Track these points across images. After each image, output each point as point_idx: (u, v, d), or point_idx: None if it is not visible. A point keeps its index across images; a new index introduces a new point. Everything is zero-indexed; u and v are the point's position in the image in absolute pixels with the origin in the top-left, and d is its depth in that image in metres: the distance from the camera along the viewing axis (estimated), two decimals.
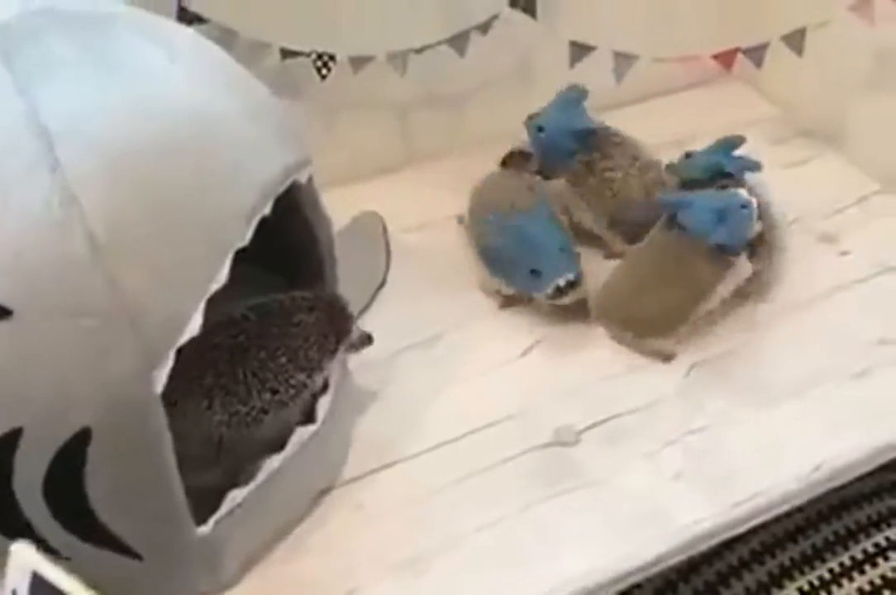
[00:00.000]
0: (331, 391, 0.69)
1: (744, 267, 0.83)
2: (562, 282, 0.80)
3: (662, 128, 1.07)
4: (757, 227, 0.83)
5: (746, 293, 0.86)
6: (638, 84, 0.99)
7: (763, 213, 0.84)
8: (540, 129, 0.90)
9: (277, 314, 0.66)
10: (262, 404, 0.65)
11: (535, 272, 0.81)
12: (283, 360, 0.65)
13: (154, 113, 0.53)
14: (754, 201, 0.82)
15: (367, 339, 0.72)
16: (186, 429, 0.59)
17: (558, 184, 0.91)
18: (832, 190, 1.01)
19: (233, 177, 0.56)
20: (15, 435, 0.53)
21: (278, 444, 0.66)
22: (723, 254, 0.81)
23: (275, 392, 0.65)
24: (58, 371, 0.52)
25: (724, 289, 0.83)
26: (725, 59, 0.98)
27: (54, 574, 0.47)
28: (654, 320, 0.82)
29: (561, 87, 0.92)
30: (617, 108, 1.08)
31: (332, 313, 0.68)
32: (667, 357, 0.83)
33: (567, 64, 0.96)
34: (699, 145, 1.04)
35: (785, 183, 1.00)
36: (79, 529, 0.58)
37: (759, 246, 0.85)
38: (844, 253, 0.95)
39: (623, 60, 0.96)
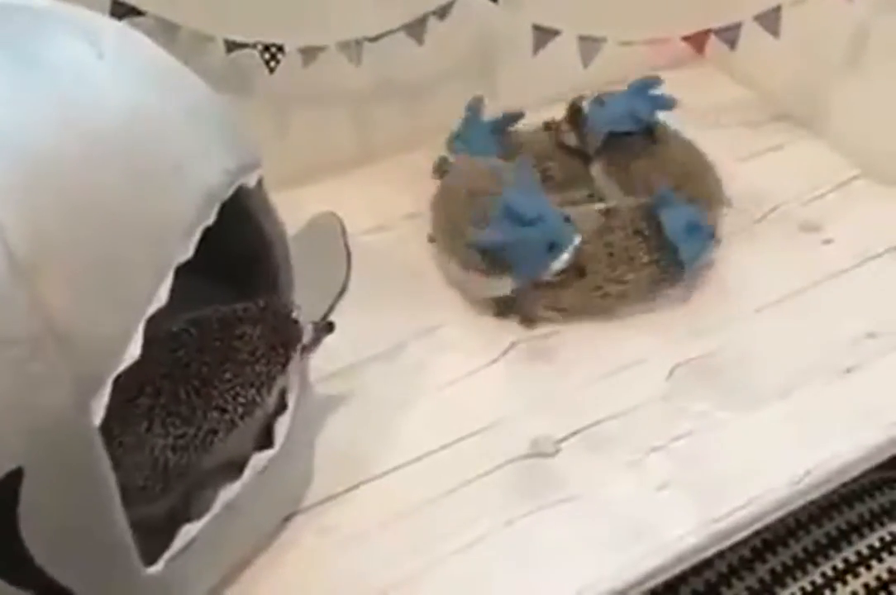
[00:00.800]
0: (289, 410, 0.65)
1: None
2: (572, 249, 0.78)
3: None
4: None
5: None
6: (605, 68, 0.95)
7: None
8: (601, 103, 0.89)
9: (219, 327, 0.62)
10: (210, 425, 0.60)
11: (553, 245, 0.77)
12: (229, 375, 0.61)
13: (79, 115, 0.48)
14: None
15: (326, 328, 0.68)
16: (126, 457, 0.55)
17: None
18: (811, 176, 0.98)
19: (171, 183, 0.51)
20: None
21: (233, 472, 0.62)
22: None
23: (222, 411, 0.61)
24: None
25: None
26: (697, 40, 0.94)
27: None
28: None
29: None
30: (582, 89, 1.04)
31: (277, 323, 0.64)
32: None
33: (531, 49, 0.93)
34: (666, 130, 1.02)
35: (761, 169, 0.98)
36: (12, 575, 0.53)
37: None
38: (827, 241, 0.92)
39: (589, 44, 0.93)
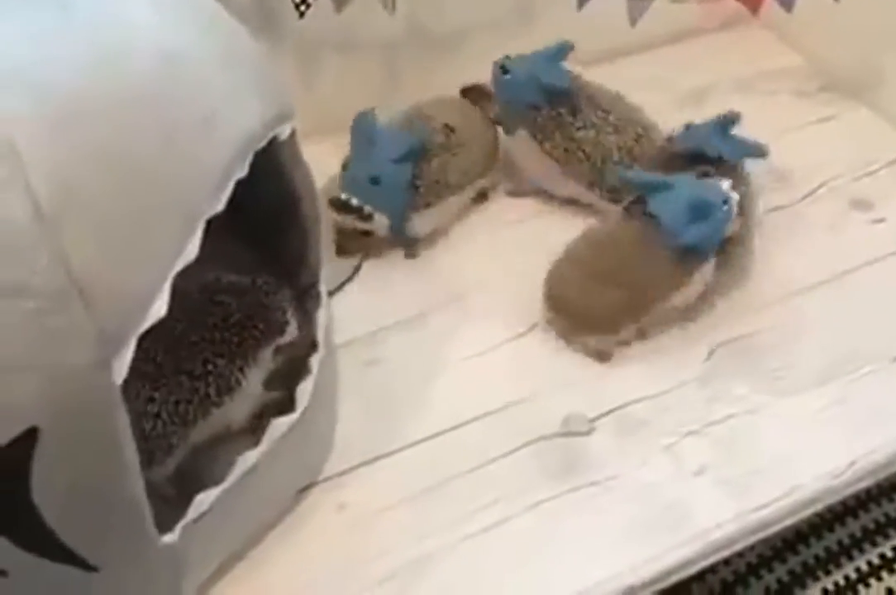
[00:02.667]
0: (312, 376, 0.64)
1: (708, 274, 0.76)
2: None
3: (676, 77, 1.03)
4: (735, 225, 0.76)
5: (703, 295, 0.79)
6: (651, 28, 0.93)
7: (744, 210, 0.78)
8: (504, 70, 0.84)
9: (199, 291, 0.62)
10: (180, 390, 0.60)
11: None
12: (195, 339, 0.60)
13: (112, 59, 0.47)
14: (735, 197, 0.75)
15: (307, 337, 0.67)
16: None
17: (521, 138, 0.84)
18: (863, 150, 0.96)
19: (204, 132, 0.50)
20: None
21: (251, 440, 0.61)
22: (690, 257, 0.73)
23: (193, 377, 0.61)
24: (1, 362, 0.46)
25: (681, 296, 0.76)
26: (752, 1, 0.92)
27: None
28: (599, 318, 0.75)
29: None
30: (627, 54, 1.03)
31: (256, 308, 0.63)
32: (604, 357, 0.77)
33: (574, 5, 0.91)
34: (715, 97, 1.01)
35: (810, 141, 0.97)
36: (23, 539, 0.53)
37: (729, 246, 0.77)
38: (878, 220, 0.90)
39: (637, 1, 0.91)
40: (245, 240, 0.65)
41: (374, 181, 0.77)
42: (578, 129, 0.82)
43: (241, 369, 0.63)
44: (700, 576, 0.83)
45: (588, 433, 0.73)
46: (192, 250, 0.49)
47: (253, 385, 0.64)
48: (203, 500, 0.58)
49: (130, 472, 0.51)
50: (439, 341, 0.78)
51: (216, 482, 0.60)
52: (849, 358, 0.78)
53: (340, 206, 0.78)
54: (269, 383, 0.65)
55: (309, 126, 0.73)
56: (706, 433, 0.74)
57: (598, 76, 1.00)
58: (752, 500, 0.69)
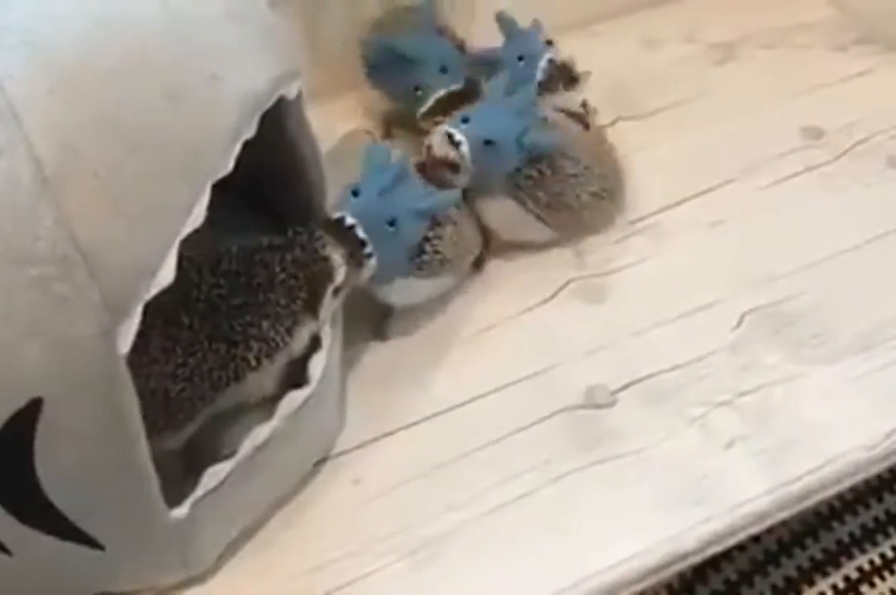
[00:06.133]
0: (324, 349, 0.65)
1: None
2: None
3: (705, 29, 1.03)
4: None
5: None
6: None
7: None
8: (489, 142, 0.76)
9: (238, 253, 0.62)
10: (215, 356, 0.61)
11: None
12: (237, 302, 0.61)
13: (116, 18, 0.48)
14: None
15: (359, 267, 0.67)
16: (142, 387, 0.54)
17: (501, 202, 0.79)
18: None
19: (210, 92, 0.51)
20: None
21: (264, 413, 0.62)
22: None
23: (231, 343, 0.61)
24: (1, 329, 0.47)
25: None
26: None
27: None
28: None
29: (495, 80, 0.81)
30: (654, 6, 1.03)
31: (304, 257, 0.63)
32: None
33: None
34: (746, 51, 1.01)
35: (847, 96, 0.97)
36: (28, 516, 0.54)
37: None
38: None
39: None
40: (252, 201, 0.65)
41: (392, 223, 0.71)
42: (559, 182, 0.80)
43: (288, 330, 0.63)
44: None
45: (611, 405, 0.74)
46: (199, 214, 0.50)
47: (296, 345, 0.64)
48: (214, 473, 0.60)
49: (137, 444, 0.53)
50: (459, 311, 0.79)
51: (228, 456, 0.61)
52: (888, 323, 0.79)
53: (337, 230, 0.68)
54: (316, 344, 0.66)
55: (313, 86, 0.74)
56: (736, 404, 0.74)
57: (624, 28, 1.02)
58: (786, 472, 0.70)
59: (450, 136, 0.76)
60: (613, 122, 0.92)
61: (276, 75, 0.55)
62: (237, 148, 0.52)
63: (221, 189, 0.53)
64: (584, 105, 0.84)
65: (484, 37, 0.88)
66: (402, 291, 0.74)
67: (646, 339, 0.78)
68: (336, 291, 0.65)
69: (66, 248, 0.46)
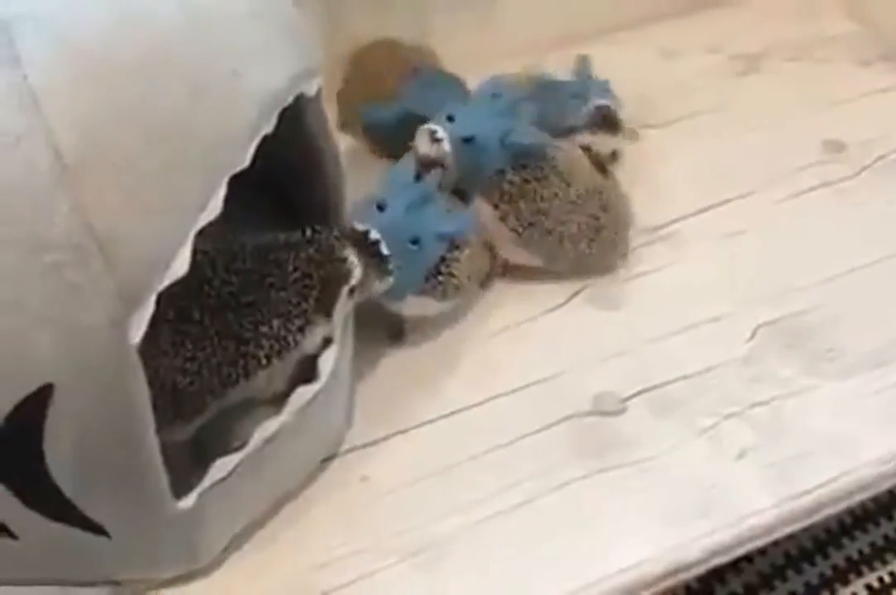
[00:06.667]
0: (335, 346, 0.66)
1: None
2: None
3: (727, 41, 1.03)
4: None
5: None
6: None
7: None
8: (469, 139, 0.76)
9: (253, 250, 0.63)
10: (224, 352, 0.61)
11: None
12: (250, 299, 0.61)
13: (137, 13, 0.49)
14: None
15: (380, 270, 0.68)
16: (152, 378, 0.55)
17: (485, 212, 0.78)
18: None
19: (229, 87, 0.52)
20: None
21: (274, 407, 0.63)
22: None
23: (240, 340, 0.61)
24: (15, 315, 0.48)
25: None
26: None
27: None
28: None
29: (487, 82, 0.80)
30: (678, 16, 1.03)
31: (320, 256, 0.64)
32: None
33: None
34: (769, 64, 1.01)
35: (869, 112, 0.97)
36: (35, 501, 0.55)
37: None
38: None
39: None
40: (270, 198, 0.66)
41: (414, 242, 0.71)
42: (544, 199, 0.78)
43: (300, 329, 0.63)
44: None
45: (620, 413, 0.74)
46: (215, 206, 0.51)
47: (309, 345, 0.65)
48: (222, 465, 0.60)
49: (145, 433, 0.54)
50: (473, 314, 0.80)
51: (236, 449, 0.62)
52: None
53: (362, 243, 0.68)
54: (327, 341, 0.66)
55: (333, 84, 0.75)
56: (747, 415, 0.74)
57: (646, 38, 1.02)
58: (795, 486, 0.70)
59: (432, 133, 0.76)
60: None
61: (296, 73, 0.56)
62: (255, 143, 0.53)
63: (241, 185, 0.54)
64: (613, 154, 0.85)
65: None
66: (413, 307, 0.75)
67: (658, 348, 0.78)
68: (350, 293, 0.66)
69: (81, 236, 0.47)
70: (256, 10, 0.55)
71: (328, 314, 0.64)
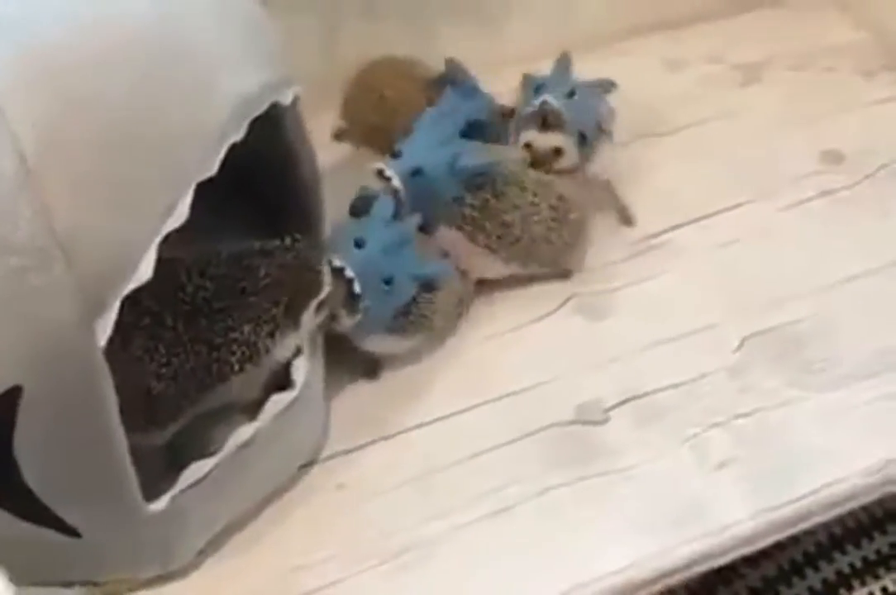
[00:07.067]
0: (306, 353, 0.67)
1: None
2: None
3: (730, 50, 1.04)
4: None
5: None
6: (693, 4, 0.95)
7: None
8: (417, 172, 0.77)
9: (228, 257, 0.64)
10: (197, 358, 0.62)
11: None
12: (220, 306, 0.62)
13: (103, 15, 0.50)
14: None
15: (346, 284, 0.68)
16: (123, 382, 0.56)
17: (444, 236, 0.79)
18: None
19: (196, 93, 0.53)
20: None
21: (249, 413, 0.64)
22: None
23: (212, 346, 0.63)
24: None
25: None
26: None
27: None
28: None
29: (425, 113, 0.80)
30: (681, 27, 1.04)
31: (295, 266, 0.65)
32: None
33: None
34: (772, 73, 1.02)
35: (872, 121, 0.97)
36: (6, 501, 0.56)
37: None
38: None
39: None
40: (249, 206, 0.67)
41: (388, 282, 0.72)
42: (506, 212, 0.79)
43: (270, 335, 0.65)
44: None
45: (603, 422, 0.74)
46: (181, 212, 0.52)
47: (277, 355, 0.66)
48: (196, 469, 0.62)
49: (114, 434, 0.55)
50: (459, 322, 0.80)
51: (211, 454, 0.63)
52: (891, 352, 0.79)
53: (335, 278, 0.69)
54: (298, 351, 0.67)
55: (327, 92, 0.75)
56: (731, 426, 0.75)
57: (652, 48, 1.02)
58: (775, 497, 0.70)
59: (380, 172, 0.77)
60: (633, 140, 0.93)
61: (268, 81, 0.57)
62: (223, 150, 0.54)
63: (220, 192, 0.55)
64: (556, 151, 0.83)
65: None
66: (379, 344, 0.75)
67: (645, 357, 0.79)
68: (319, 306, 0.67)
69: (44, 240, 0.48)
70: (226, 20, 0.56)
71: (297, 322, 0.65)
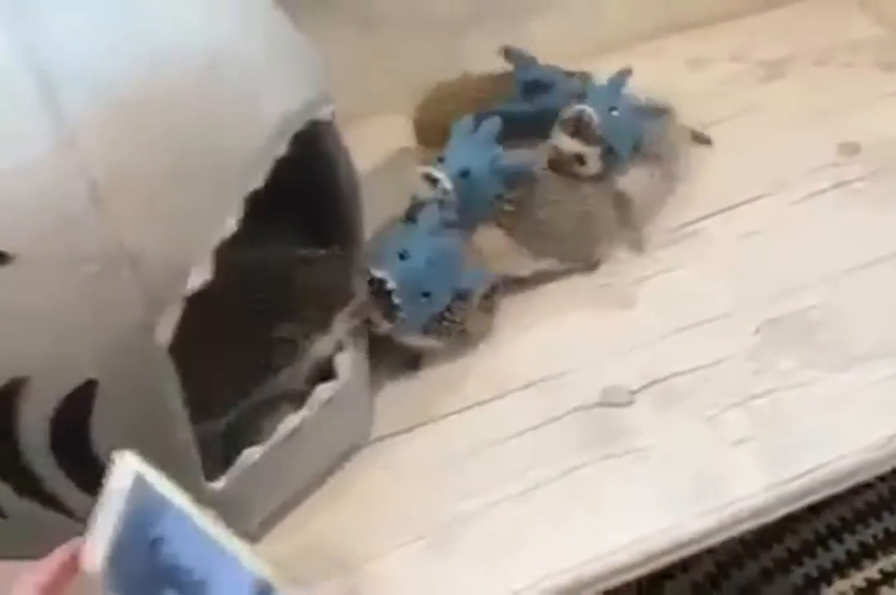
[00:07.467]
0: (348, 348, 0.74)
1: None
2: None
3: (755, 48, 1.09)
4: None
5: None
6: (714, 3, 0.99)
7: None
8: (464, 173, 0.82)
9: (274, 263, 0.71)
10: (246, 354, 0.70)
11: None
12: (268, 307, 0.70)
13: (159, 49, 0.57)
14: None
15: (382, 295, 0.74)
16: (188, 375, 0.63)
17: (491, 234, 0.86)
18: None
19: (243, 115, 0.60)
20: (19, 384, 0.58)
21: (297, 402, 0.71)
22: None
23: (259, 344, 0.70)
24: (60, 319, 0.57)
25: None
26: None
27: (156, 478, 0.54)
28: None
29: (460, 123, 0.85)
30: (705, 25, 1.09)
31: (330, 274, 0.72)
32: None
33: None
34: (795, 68, 1.06)
35: (886, 115, 1.02)
36: (90, 485, 0.63)
37: None
38: None
39: None
40: (295, 217, 0.74)
41: (426, 295, 0.77)
42: (540, 207, 0.86)
43: (307, 336, 0.72)
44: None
45: (628, 404, 0.80)
46: (232, 224, 0.59)
47: (318, 351, 0.74)
48: (250, 454, 0.69)
49: (179, 421, 0.62)
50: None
51: (264, 440, 0.70)
52: None
53: (376, 289, 0.74)
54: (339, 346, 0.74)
55: (364, 102, 0.81)
56: (748, 406, 0.80)
57: (675, 47, 1.08)
58: (786, 470, 0.76)
59: (427, 176, 0.83)
60: None
61: (306, 100, 0.63)
62: (268, 165, 0.61)
63: (269, 203, 0.62)
64: (579, 158, 0.87)
65: None
66: (414, 342, 0.81)
67: (667, 344, 0.84)
68: (352, 312, 0.74)
69: (113, 250, 0.55)
70: (269, 45, 0.63)
71: (330, 324, 0.72)
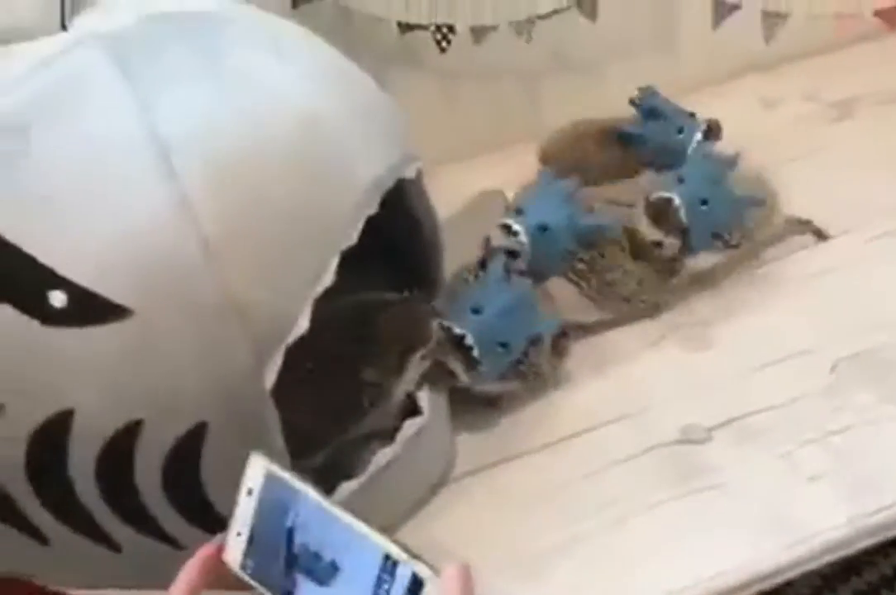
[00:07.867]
0: (426, 387, 0.79)
1: None
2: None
3: (822, 88, 1.13)
4: None
5: None
6: (787, 43, 1.03)
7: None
8: (544, 228, 0.88)
9: (356, 308, 0.76)
10: (339, 397, 0.74)
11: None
12: (353, 350, 0.75)
13: (262, 120, 0.63)
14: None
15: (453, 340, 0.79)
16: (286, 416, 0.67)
17: (561, 286, 0.91)
18: None
19: (338, 177, 0.65)
20: (136, 426, 0.64)
21: (386, 439, 0.76)
22: None
23: (352, 386, 0.75)
24: (176, 366, 0.62)
25: None
26: (888, 15, 1.00)
27: (287, 475, 0.59)
28: None
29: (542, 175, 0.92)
30: (772, 67, 1.12)
31: (407, 320, 0.77)
32: None
33: (710, 24, 1.02)
34: (863, 109, 1.09)
35: None
36: (198, 520, 0.68)
37: None
38: None
39: (773, 19, 1.01)
40: (377, 264, 0.79)
41: (503, 345, 0.81)
42: (610, 270, 0.91)
43: (389, 376, 0.77)
44: None
45: (705, 441, 0.84)
46: (328, 276, 0.64)
47: (400, 392, 0.78)
48: (347, 487, 0.73)
49: (280, 459, 0.66)
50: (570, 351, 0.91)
51: (358, 474, 0.74)
52: None
53: (457, 345, 0.79)
54: (418, 385, 0.79)
55: (451, 150, 0.86)
56: (825, 442, 0.83)
57: (746, 89, 1.11)
58: (864, 505, 0.78)
59: (507, 228, 0.87)
60: None
61: (394, 161, 0.69)
62: (360, 223, 0.66)
63: (357, 251, 0.67)
64: (657, 244, 0.92)
65: None
66: (492, 388, 0.84)
67: (743, 383, 0.88)
68: (424, 356, 0.78)
69: (223, 300, 0.61)
70: (359, 111, 0.68)
71: (404, 368, 0.77)
